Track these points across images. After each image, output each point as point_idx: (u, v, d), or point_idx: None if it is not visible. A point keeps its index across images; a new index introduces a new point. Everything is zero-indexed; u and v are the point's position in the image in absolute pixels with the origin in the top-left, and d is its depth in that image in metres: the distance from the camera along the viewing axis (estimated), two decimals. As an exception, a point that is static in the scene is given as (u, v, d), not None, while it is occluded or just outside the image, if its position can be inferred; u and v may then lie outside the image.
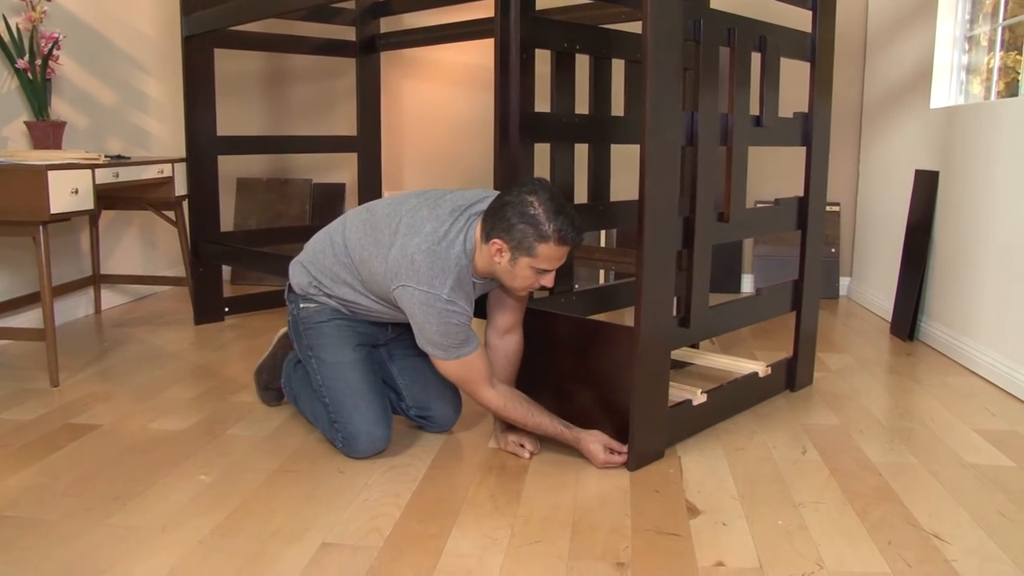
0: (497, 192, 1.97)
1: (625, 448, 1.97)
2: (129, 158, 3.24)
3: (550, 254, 1.81)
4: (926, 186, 3.28)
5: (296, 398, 2.23)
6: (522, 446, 2.05)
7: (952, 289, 3.04)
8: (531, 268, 1.83)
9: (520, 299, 2.04)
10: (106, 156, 3.09)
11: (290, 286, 2.15)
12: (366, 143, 3.94)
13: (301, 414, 2.25)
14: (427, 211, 1.91)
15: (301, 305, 2.10)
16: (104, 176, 2.89)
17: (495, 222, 1.81)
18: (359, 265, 1.97)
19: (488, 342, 2.06)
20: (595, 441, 1.97)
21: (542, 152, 2.38)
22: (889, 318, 3.57)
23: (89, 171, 2.73)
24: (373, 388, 2.04)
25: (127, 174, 3.06)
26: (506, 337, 2.06)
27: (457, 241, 1.85)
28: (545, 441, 2.07)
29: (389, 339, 2.21)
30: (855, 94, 4.16)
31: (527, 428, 2.00)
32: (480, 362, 1.91)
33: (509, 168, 2.20)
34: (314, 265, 2.06)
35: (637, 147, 2.78)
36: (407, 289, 1.83)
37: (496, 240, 1.81)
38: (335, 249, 2.02)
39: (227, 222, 4.45)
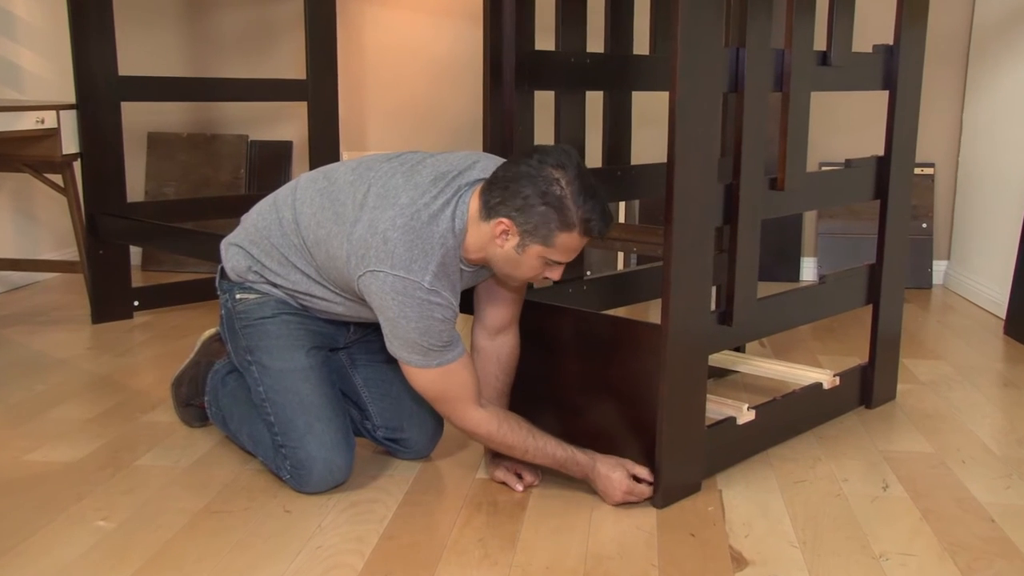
0: (491, 156, 2.00)
1: (650, 476, 2.00)
2: (-9, 101, 3.23)
3: (569, 245, 1.85)
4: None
5: (225, 420, 2.26)
6: (518, 476, 2.10)
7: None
8: (541, 258, 1.87)
9: (517, 290, 2.08)
10: (-44, 97, 3.08)
11: (223, 271, 2.18)
12: (318, 89, 3.96)
13: (233, 439, 2.29)
14: (402, 178, 1.94)
15: (238, 296, 2.13)
16: (-44, 124, 2.89)
17: (505, 196, 1.83)
18: (313, 247, 2.00)
19: (475, 344, 2.11)
20: (615, 467, 2.00)
21: (544, 101, 2.41)
22: (1003, 314, 3.59)
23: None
24: (331, 403, 2.08)
25: (-10, 123, 3.06)
26: (498, 338, 2.11)
27: (443, 216, 1.88)
28: (548, 470, 2.11)
29: (351, 341, 2.25)
30: (960, 19, 4.16)
31: (527, 459, 2.04)
32: (465, 373, 1.95)
33: (502, 122, 2.24)
34: (257, 245, 2.08)
35: (666, 95, 2.80)
36: (378, 275, 1.85)
37: (503, 219, 1.84)
38: (284, 226, 2.04)
39: (136, 190, 4.46)
